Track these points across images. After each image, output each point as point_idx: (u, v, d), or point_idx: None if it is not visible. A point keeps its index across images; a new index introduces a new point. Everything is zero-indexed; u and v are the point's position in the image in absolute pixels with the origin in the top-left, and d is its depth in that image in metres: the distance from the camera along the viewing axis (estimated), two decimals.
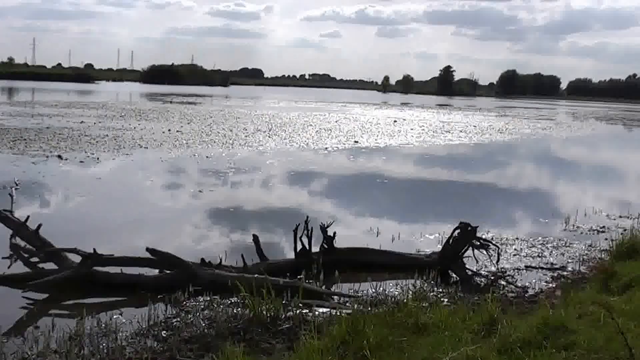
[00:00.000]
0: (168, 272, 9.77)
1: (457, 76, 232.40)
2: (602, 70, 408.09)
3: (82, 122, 36.15)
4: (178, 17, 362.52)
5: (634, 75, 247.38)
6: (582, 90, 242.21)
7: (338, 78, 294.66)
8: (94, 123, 36.02)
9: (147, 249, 9.71)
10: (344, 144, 31.81)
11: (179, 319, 8.40)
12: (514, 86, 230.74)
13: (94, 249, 9.59)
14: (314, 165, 24.39)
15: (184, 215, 15.52)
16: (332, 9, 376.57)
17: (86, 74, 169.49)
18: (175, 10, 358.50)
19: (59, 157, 22.47)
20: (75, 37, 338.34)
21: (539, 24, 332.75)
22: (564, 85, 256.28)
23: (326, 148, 29.53)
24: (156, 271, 9.94)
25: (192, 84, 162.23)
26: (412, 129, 43.89)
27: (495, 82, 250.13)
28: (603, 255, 12.33)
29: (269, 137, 32.97)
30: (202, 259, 9.98)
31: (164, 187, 18.96)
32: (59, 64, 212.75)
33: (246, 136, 32.63)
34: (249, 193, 18.76)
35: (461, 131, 44.55)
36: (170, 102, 69.05)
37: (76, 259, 9.79)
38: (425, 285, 10.01)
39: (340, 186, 20.83)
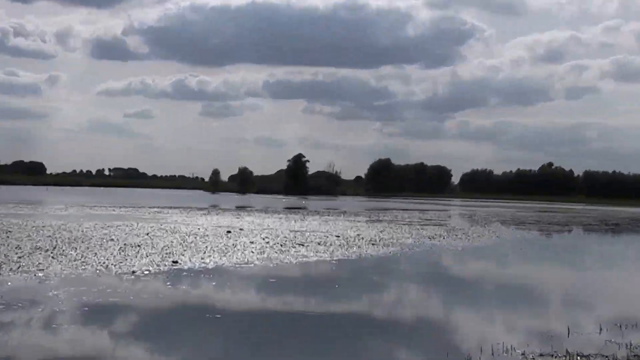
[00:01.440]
0: None
1: (312, 168, 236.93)
2: (506, 159, 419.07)
3: None
4: None
5: (550, 164, 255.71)
6: (481, 184, 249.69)
7: (150, 174, 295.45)
8: None
9: None
10: (159, 265, 31.59)
11: None
12: (388, 180, 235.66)
13: None
14: (117, 296, 24.02)
15: None
16: (140, 79, 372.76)
17: None
18: None
19: None
20: None
21: (419, 98, 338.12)
22: (455, 179, 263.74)
23: (134, 272, 29.22)
24: None
25: None
26: (252, 242, 43.99)
27: (363, 176, 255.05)
28: None
29: (53, 258, 32.40)
30: None
31: None
32: None
33: (20, 257, 31.96)
34: (24, 338, 18.23)
35: (319, 244, 44.95)
36: None
37: None
38: None
39: (153, 325, 20.63)
